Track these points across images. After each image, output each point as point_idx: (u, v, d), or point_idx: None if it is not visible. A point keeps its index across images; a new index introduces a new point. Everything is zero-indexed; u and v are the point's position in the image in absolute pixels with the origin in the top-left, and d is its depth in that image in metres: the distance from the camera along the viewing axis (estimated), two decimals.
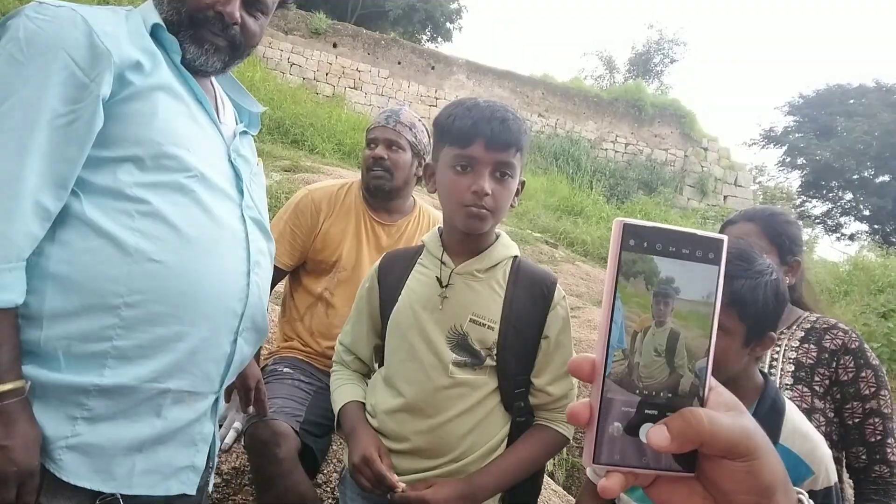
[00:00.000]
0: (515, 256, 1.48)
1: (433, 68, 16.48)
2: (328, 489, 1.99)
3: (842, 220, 25.19)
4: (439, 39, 23.33)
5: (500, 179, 1.34)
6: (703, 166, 17.06)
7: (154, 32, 1.20)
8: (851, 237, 24.72)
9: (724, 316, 1.21)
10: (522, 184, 1.44)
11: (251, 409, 1.67)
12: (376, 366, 1.59)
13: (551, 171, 14.69)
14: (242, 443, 1.80)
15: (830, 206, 25.32)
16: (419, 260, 1.51)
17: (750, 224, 1.78)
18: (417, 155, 2.21)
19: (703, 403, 0.46)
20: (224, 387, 1.26)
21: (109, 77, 1.07)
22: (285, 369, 2.03)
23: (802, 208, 25.25)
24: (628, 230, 0.44)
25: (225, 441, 1.91)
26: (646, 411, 0.44)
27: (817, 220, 25.17)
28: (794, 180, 26.18)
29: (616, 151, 17.28)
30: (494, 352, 1.39)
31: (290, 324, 2.20)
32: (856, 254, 12.60)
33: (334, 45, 15.70)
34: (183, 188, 1.13)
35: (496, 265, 1.44)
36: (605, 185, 15.47)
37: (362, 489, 1.36)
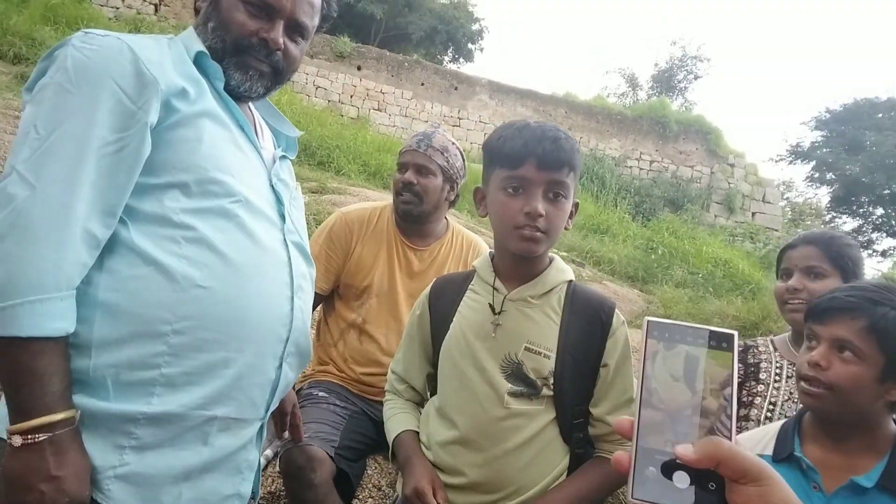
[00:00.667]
0: (570, 281, 1.43)
1: (456, 89, 16.57)
2: None
3: (873, 235, 24.67)
4: (461, 60, 23.48)
5: (553, 200, 1.30)
6: (729, 183, 16.81)
7: (197, 60, 1.21)
8: (884, 253, 24.22)
9: (862, 342, 1.16)
10: (576, 205, 1.40)
11: (286, 434, 1.66)
12: (429, 395, 1.57)
13: (576, 190, 14.60)
14: (278, 467, 1.79)
15: (861, 221, 24.81)
16: (470, 286, 1.47)
17: (810, 247, 1.78)
18: (449, 179, 2.18)
19: None
20: (269, 413, 1.24)
21: (156, 104, 1.07)
22: (321, 393, 2.02)
23: (832, 224, 24.78)
24: (652, 326, 0.56)
25: None
26: (677, 461, 0.52)
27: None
28: (823, 196, 25.82)
29: (641, 169, 17.13)
30: (551, 381, 1.34)
31: (324, 348, 2.20)
32: (889, 270, 12.32)
33: (358, 68, 15.89)
34: (228, 213, 1.13)
35: (551, 290, 1.39)
36: (630, 203, 15.31)
37: None
